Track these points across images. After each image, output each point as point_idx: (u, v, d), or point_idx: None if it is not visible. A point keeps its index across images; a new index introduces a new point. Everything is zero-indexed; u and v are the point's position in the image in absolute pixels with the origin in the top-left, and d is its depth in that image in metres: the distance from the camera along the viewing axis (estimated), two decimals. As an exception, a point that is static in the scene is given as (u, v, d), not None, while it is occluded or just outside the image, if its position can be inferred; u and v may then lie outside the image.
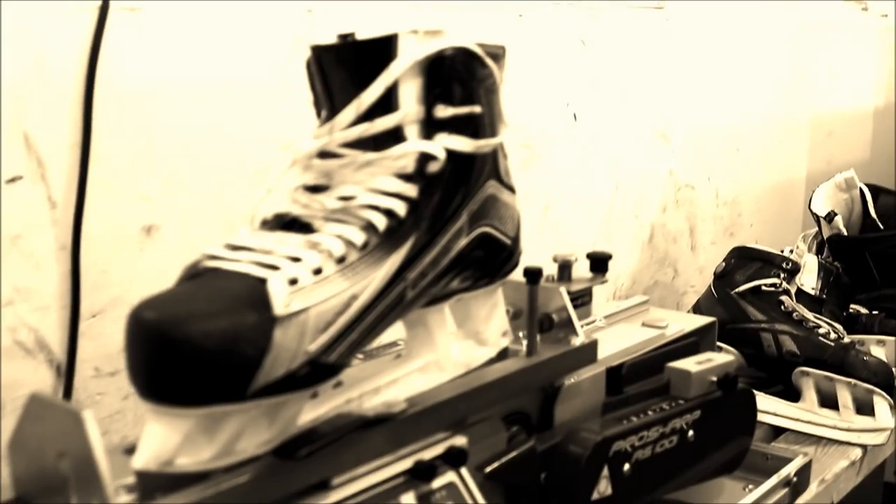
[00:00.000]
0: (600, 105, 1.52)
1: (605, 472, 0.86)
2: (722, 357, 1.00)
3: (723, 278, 1.45)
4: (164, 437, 0.61)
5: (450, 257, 0.75)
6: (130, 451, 0.65)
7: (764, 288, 1.41)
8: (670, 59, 1.66)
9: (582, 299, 0.99)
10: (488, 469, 0.80)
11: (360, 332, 0.68)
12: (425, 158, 0.72)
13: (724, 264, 1.46)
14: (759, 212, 1.97)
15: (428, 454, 0.73)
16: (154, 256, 0.96)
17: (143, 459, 0.62)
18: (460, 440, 0.75)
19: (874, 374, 1.32)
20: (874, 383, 1.31)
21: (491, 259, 0.81)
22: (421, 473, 0.71)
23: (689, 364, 0.97)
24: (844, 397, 1.31)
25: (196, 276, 0.66)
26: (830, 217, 1.58)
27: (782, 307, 1.39)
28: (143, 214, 0.95)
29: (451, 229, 0.75)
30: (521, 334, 0.88)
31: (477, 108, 0.75)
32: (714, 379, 0.97)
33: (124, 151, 0.93)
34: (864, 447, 1.29)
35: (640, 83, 1.59)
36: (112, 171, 0.92)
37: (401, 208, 0.71)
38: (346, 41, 0.72)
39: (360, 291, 0.68)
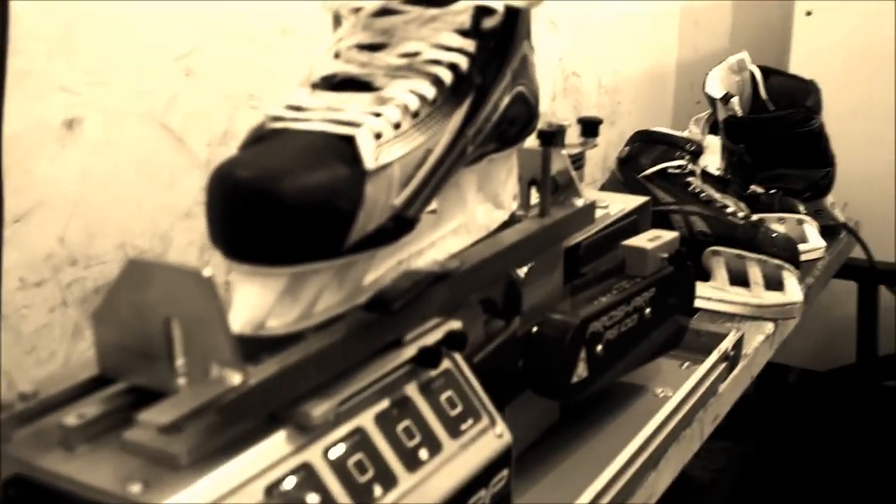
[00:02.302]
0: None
1: (583, 354, 0.84)
2: (669, 234, 0.99)
3: (627, 163, 1.44)
4: (258, 299, 0.59)
5: (498, 114, 0.75)
6: None
7: (670, 170, 1.41)
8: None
9: (578, 163, 1.00)
10: (476, 359, 0.77)
11: (433, 186, 0.68)
12: (480, 14, 0.72)
13: (627, 149, 1.45)
14: (635, 100, 1.98)
15: (428, 340, 0.69)
16: (77, 153, 0.88)
17: (240, 323, 0.59)
18: (456, 324, 0.72)
19: (783, 250, 1.34)
20: (783, 258, 1.33)
21: (521, 119, 0.80)
22: (426, 359, 0.67)
23: (643, 241, 0.96)
24: (755, 274, 1.33)
25: (263, 138, 0.64)
26: (727, 98, 1.59)
27: (690, 188, 1.39)
28: (65, 108, 0.87)
29: (499, 87, 0.75)
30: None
31: None
32: (665, 255, 0.97)
33: (43, 40, 0.84)
34: (775, 321, 1.31)
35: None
36: (30, 62, 0.83)
37: (463, 63, 0.71)
38: None
39: (433, 145, 0.68)
